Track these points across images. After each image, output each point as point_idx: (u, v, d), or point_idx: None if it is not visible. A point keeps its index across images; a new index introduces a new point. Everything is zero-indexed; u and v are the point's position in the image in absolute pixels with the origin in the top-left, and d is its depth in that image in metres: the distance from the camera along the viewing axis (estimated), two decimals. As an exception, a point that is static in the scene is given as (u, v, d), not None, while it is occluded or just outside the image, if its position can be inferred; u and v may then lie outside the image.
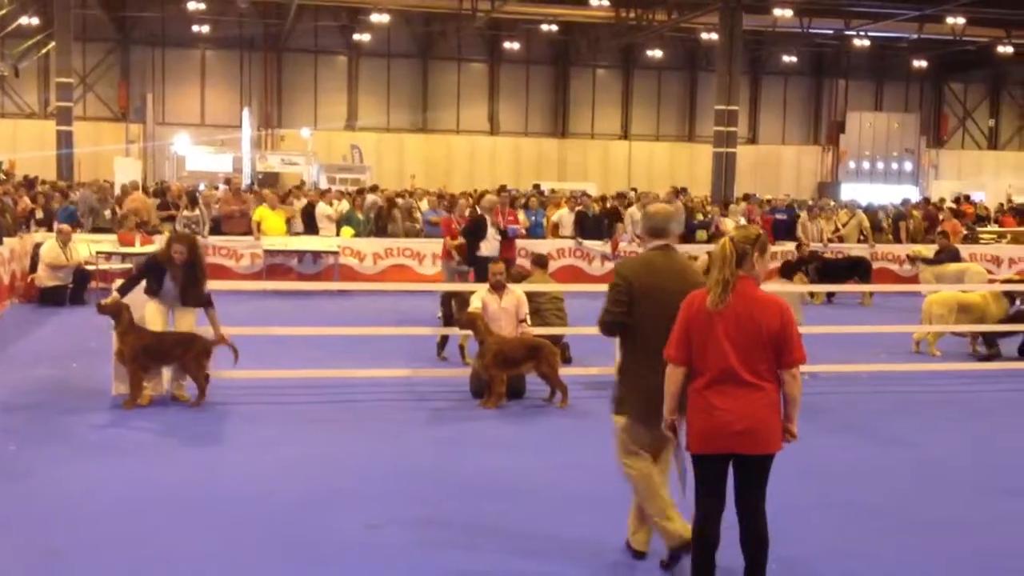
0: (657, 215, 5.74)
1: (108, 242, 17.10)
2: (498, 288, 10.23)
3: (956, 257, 17.52)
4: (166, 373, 9.52)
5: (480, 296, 10.27)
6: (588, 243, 19.86)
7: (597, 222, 20.43)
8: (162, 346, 9.21)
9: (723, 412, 4.80)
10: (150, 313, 9.44)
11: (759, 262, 4.92)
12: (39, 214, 19.29)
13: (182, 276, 9.35)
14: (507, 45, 45.94)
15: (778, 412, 4.90)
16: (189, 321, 9.61)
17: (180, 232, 9.94)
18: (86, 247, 16.50)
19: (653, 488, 5.54)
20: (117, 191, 23.15)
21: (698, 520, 5.01)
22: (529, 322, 10.14)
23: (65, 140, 35.02)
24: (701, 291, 5.01)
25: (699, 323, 4.87)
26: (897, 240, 22.03)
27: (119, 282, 9.80)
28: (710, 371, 4.85)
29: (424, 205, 22.29)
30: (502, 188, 33.57)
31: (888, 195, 38.25)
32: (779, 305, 4.90)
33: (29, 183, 25.62)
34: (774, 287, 11.14)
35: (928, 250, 18.50)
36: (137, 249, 16.32)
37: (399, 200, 21.97)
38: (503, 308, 10.10)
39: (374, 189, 27.31)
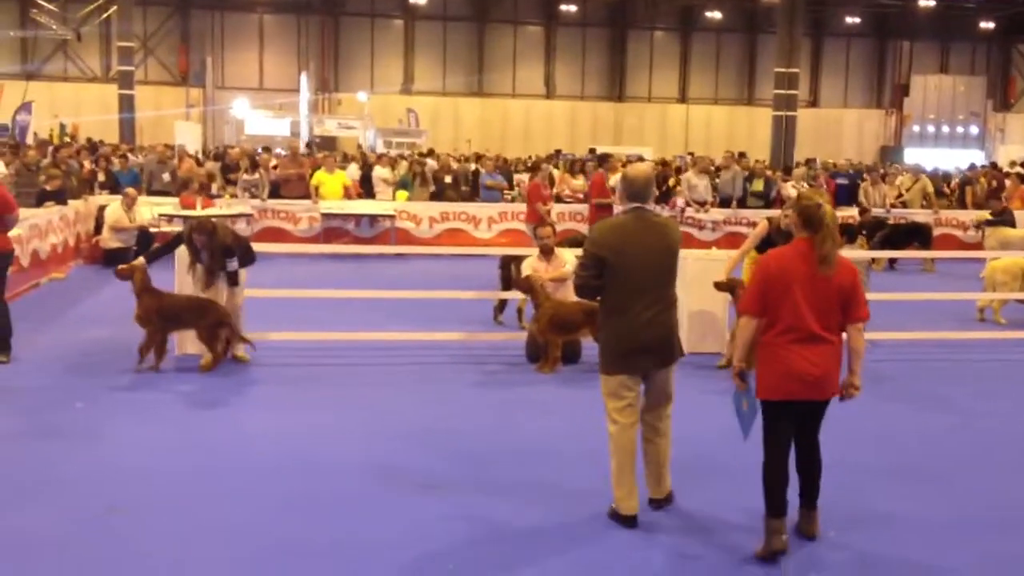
0: (637, 179, 5.87)
1: (169, 205, 17.35)
2: (547, 253, 10.22)
3: (1012, 220, 17.18)
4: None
5: (530, 263, 10.26)
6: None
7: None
8: (175, 309, 9.20)
9: (798, 362, 5.21)
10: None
11: None
12: (101, 177, 19.62)
13: (206, 261, 9.39)
14: (564, 7, 45.59)
15: (840, 362, 5.34)
16: (233, 293, 9.60)
17: (200, 220, 9.77)
18: (148, 210, 16.75)
19: (620, 448, 5.72)
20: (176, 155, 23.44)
21: (768, 462, 5.38)
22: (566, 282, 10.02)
23: (127, 104, 35.54)
24: (779, 251, 5.48)
25: (777, 282, 5.25)
26: (962, 206, 21.56)
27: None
28: (786, 325, 5.23)
29: (481, 168, 22.24)
30: (557, 152, 33.48)
31: (953, 160, 37.53)
32: (851, 267, 5.36)
33: (92, 147, 26.04)
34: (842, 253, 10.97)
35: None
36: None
37: (455, 164, 21.95)
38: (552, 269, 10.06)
39: (431, 154, 27.36)
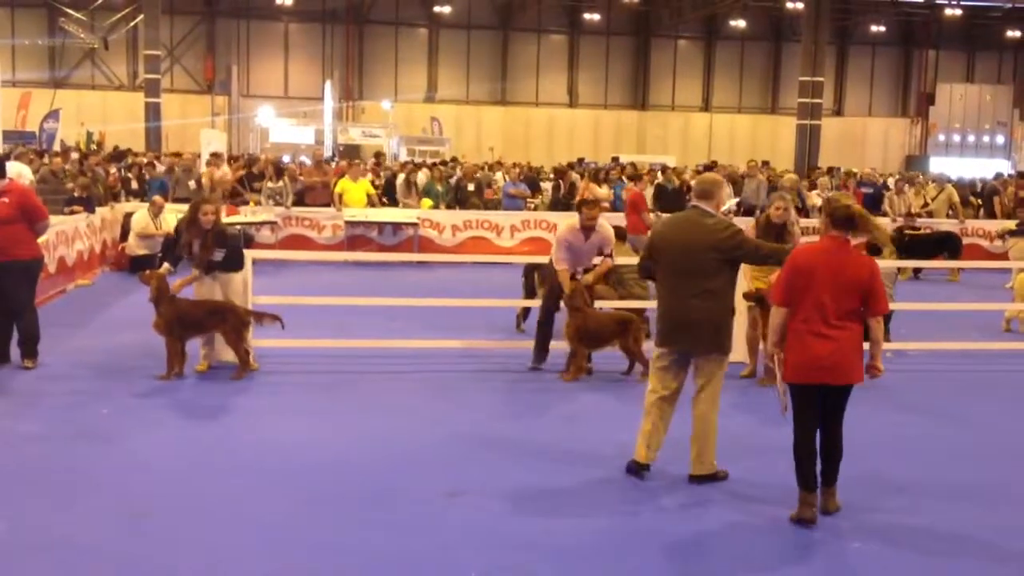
0: (702, 181, 6.80)
1: (194, 212, 17.44)
2: (587, 231, 9.76)
3: None
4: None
5: (565, 226, 9.96)
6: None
7: (677, 195, 20.19)
8: (196, 316, 9.12)
9: (816, 349, 5.74)
10: (202, 283, 9.55)
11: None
12: (134, 184, 19.81)
13: (202, 241, 9.23)
14: (587, 16, 45.61)
15: (859, 351, 5.83)
16: (235, 286, 9.53)
17: (208, 196, 9.88)
18: (174, 217, 16.85)
19: (649, 408, 6.58)
20: (203, 163, 23.57)
21: (796, 437, 5.91)
22: (613, 258, 9.94)
23: (153, 112, 35.78)
24: (807, 247, 6.06)
25: (801, 275, 5.80)
26: (990, 215, 21.40)
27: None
28: (807, 314, 5.77)
29: (504, 177, 22.28)
30: (580, 161, 33.45)
31: (979, 169, 37.23)
32: (869, 264, 5.85)
33: (118, 155, 26.24)
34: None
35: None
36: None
37: (477, 173, 22.01)
38: (590, 243, 9.78)
39: (453, 161, 27.40)
